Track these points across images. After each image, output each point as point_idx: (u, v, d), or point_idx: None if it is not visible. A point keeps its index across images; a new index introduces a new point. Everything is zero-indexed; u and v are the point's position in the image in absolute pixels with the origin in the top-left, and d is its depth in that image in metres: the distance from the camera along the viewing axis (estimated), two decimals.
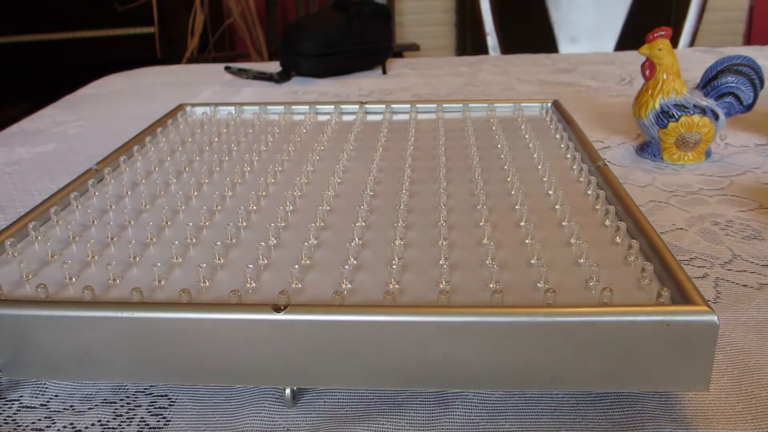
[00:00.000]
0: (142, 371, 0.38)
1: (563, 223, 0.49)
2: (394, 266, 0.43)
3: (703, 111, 0.72)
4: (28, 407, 0.41)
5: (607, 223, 0.48)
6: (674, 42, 1.49)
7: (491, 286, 0.41)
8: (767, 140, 0.81)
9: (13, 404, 0.41)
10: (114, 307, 0.37)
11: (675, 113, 0.72)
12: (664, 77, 0.73)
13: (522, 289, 0.41)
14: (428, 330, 0.36)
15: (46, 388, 0.42)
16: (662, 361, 0.35)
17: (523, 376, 0.36)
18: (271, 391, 0.41)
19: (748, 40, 2.78)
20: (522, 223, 0.48)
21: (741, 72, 0.73)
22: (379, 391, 0.41)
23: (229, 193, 0.56)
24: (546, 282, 0.41)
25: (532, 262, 0.44)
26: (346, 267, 0.42)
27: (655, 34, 0.73)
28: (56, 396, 0.41)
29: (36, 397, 0.41)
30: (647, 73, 0.74)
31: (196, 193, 0.57)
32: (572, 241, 0.46)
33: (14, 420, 0.40)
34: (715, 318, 0.34)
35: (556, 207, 0.51)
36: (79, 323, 0.37)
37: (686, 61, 1.16)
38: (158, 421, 0.39)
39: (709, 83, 0.74)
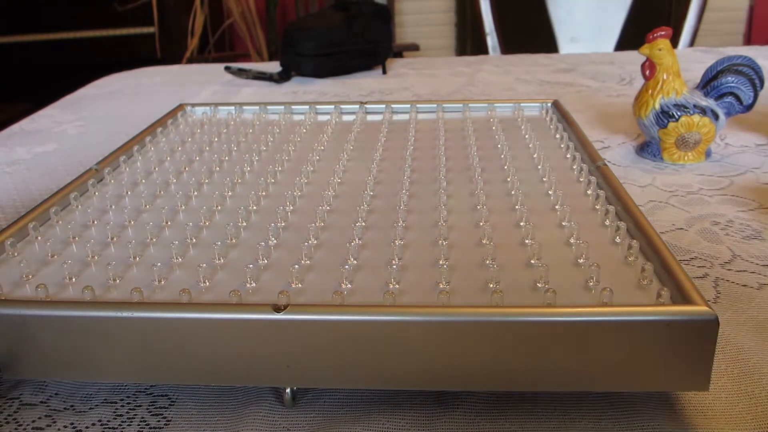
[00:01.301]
0: (141, 371, 0.38)
1: (563, 223, 0.49)
2: (394, 266, 0.43)
3: (703, 111, 0.72)
4: (28, 404, 0.41)
5: (607, 223, 0.48)
6: (674, 42, 1.49)
7: (491, 286, 0.41)
8: (767, 140, 0.81)
9: (13, 402, 0.41)
10: (114, 307, 0.37)
11: (675, 113, 0.72)
12: (664, 77, 0.73)
13: (522, 289, 0.41)
14: (428, 330, 0.36)
15: (47, 387, 0.42)
16: (662, 361, 0.35)
17: (522, 376, 0.36)
18: (271, 391, 0.41)
19: (748, 40, 2.78)
20: (522, 223, 0.48)
21: (741, 72, 0.73)
22: (379, 391, 0.41)
23: (229, 193, 0.56)
24: (546, 282, 0.41)
25: (532, 262, 0.44)
26: (346, 267, 0.42)
27: (655, 34, 0.73)
28: (56, 394, 0.41)
29: (36, 395, 0.41)
30: (647, 73, 0.74)
31: (196, 193, 0.57)
32: (572, 241, 0.46)
33: (15, 419, 0.40)
34: (715, 318, 0.34)
35: (556, 207, 0.51)
36: (79, 323, 0.37)
37: (686, 61, 1.16)
38: (158, 421, 0.39)
39: (709, 83, 0.74)
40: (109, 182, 0.60)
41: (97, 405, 0.41)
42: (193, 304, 0.38)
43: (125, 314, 0.37)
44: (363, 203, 0.53)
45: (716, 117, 0.73)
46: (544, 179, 0.57)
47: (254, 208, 0.53)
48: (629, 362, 0.35)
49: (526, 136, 0.68)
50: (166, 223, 0.51)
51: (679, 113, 0.72)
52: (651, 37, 0.73)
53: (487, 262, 0.44)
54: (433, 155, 0.64)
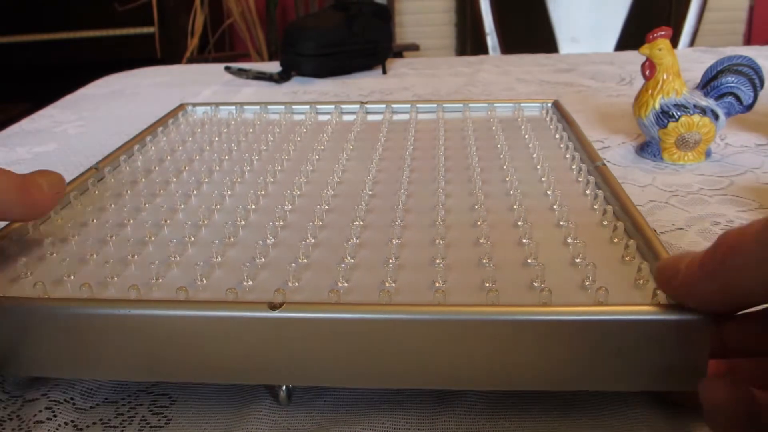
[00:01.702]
0: (137, 368, 0.38)
1: (561, 223, 0.49)
2: (391, 265, 0.43)
3: (703, 111, 0.72)
4: (31, 400, 0.41)
5: (605, 222, 0.48)
6: (674, 42, 1.49)
7: (487, 285, 0.41)
8: (767, 140, 0.81)
9: (17, 400, 0.41)
10: (111, 304, 0.37)
11: (675, 113, 0.72)
12: (664, 77, 0.73)
13: (518, 288, 0.41)
14: (423, 328, 0.36)
15: (49, 389, 0.42)
16: (658, 360, 0.35)
17: (518, 375, 0.36)
18: (272, 390, 0.41)
19: (748, 40, 2.78)
20: (520, 223, 0.48)
21: (741, 72, 0.73)
22: (379, 391, 0.41)
23: (229, 193, 0.56)
24: (542, 281, 0.41)
25: (529, 261, 0.44)
26: (343, 266, 0.42)
27: (655, 34, 0.73)
28: (57, 388, 0.42)
29: (37, 391, 0.41)
30: (647, 73, 0.74)
31: (195, 192, 0.57)
32: (569, 240, 0.46)
33: (18, 416, 0.40)
34: (711, 317, 0.34)
35: (554, 207, 0.51)
36: (77, 320, 0.37)
37: (686, 61, 1.16)
38: (159, 420, 0.39)
39: (709, 83, 0.74)
40: (109, 181, 0.60)
41: (98, 404, 0.41)
42: (189, 302, 0.38)
43: (122, 311, 0.37)
44: (361, 203, 0.53)
45: (716, 117, 0.73)
46: (543, 179, 0.57)
47: (253, 207, 0.53)
48: (625, 361, 0.35)
49: (526, 136, 0.68)
50: (165, 221, 0.51)
51: (679, 113, 0.72)
52: (651, 37, 0.73)
53: (484, 261, 0.44)
54: (433, 155, 0.64)
